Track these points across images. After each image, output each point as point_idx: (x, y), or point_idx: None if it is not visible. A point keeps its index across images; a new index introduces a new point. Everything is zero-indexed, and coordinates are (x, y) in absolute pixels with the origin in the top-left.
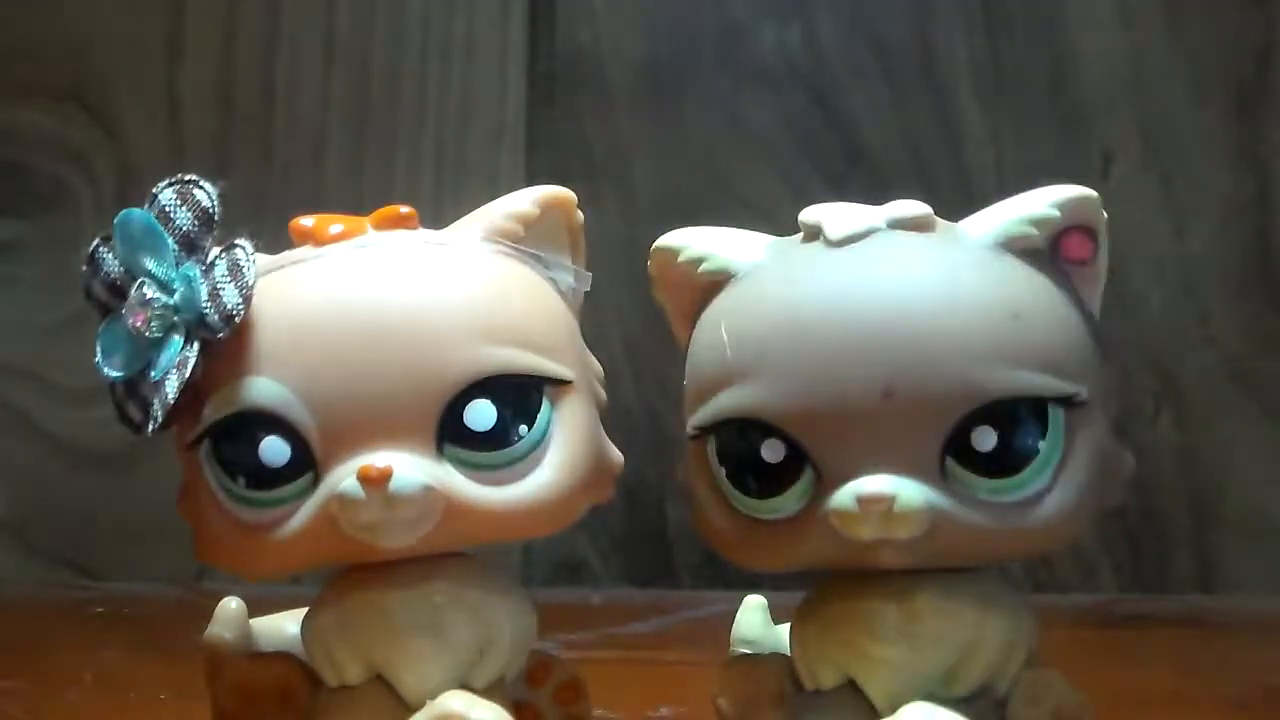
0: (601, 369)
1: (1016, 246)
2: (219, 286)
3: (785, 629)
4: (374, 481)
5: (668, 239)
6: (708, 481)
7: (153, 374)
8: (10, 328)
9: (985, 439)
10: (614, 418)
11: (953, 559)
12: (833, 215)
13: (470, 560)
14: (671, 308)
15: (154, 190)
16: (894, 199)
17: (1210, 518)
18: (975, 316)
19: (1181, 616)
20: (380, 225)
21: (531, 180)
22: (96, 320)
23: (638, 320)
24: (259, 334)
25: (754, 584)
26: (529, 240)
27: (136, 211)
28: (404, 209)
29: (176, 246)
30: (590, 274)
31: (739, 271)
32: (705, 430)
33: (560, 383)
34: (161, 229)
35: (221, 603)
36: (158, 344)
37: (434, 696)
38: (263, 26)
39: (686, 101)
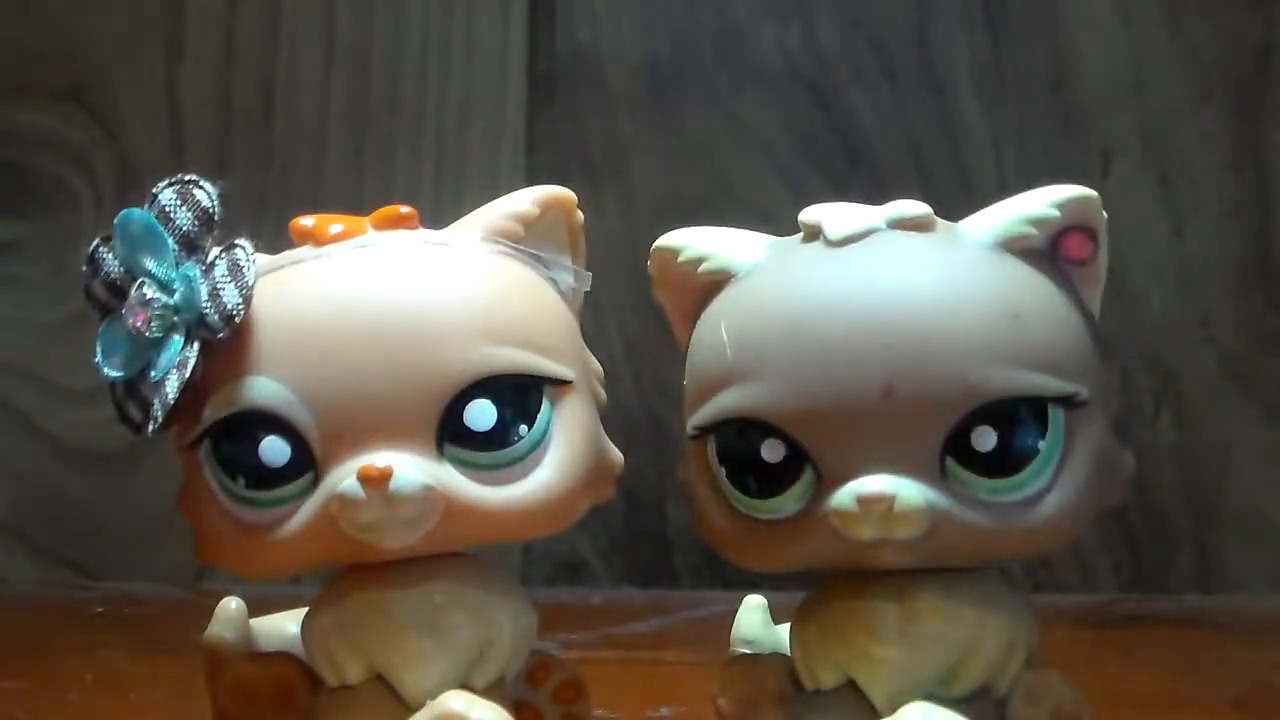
0: (601, 369)
1: (1016, 246)
2: (219, 286)
3: (785, 629)
4: (374, 481)
5: (668, 239)
6: (708, 481)
7: (153, 374)
8: (10, 328)
9: (985, 439)
10: (614, 418)
11: (953, 559)
12: (833, 215)
13: (470, 560)
14: (671, 308)
15: (154, 190)
16: (894, 199)
17: (1210, 518)
18: (975, 316)
19: (1181, 616)
20: (380, 225)
21: (531, 180)
22: (96, 320)
23: (638, 320)
24: (259, 334)
25: (754, 584)
26: (529, 240)
27: (136, 211)
28: (404, 209)
29: (176, 246)
30: (590, 274)
31: (739, 271)
32: (705, 430)
33: (560, 383)
34: (161, 229)
35: (221, 603)
36: (158, 344)
37: (434, 696)
38: (263, 26)
39: (686, 101)
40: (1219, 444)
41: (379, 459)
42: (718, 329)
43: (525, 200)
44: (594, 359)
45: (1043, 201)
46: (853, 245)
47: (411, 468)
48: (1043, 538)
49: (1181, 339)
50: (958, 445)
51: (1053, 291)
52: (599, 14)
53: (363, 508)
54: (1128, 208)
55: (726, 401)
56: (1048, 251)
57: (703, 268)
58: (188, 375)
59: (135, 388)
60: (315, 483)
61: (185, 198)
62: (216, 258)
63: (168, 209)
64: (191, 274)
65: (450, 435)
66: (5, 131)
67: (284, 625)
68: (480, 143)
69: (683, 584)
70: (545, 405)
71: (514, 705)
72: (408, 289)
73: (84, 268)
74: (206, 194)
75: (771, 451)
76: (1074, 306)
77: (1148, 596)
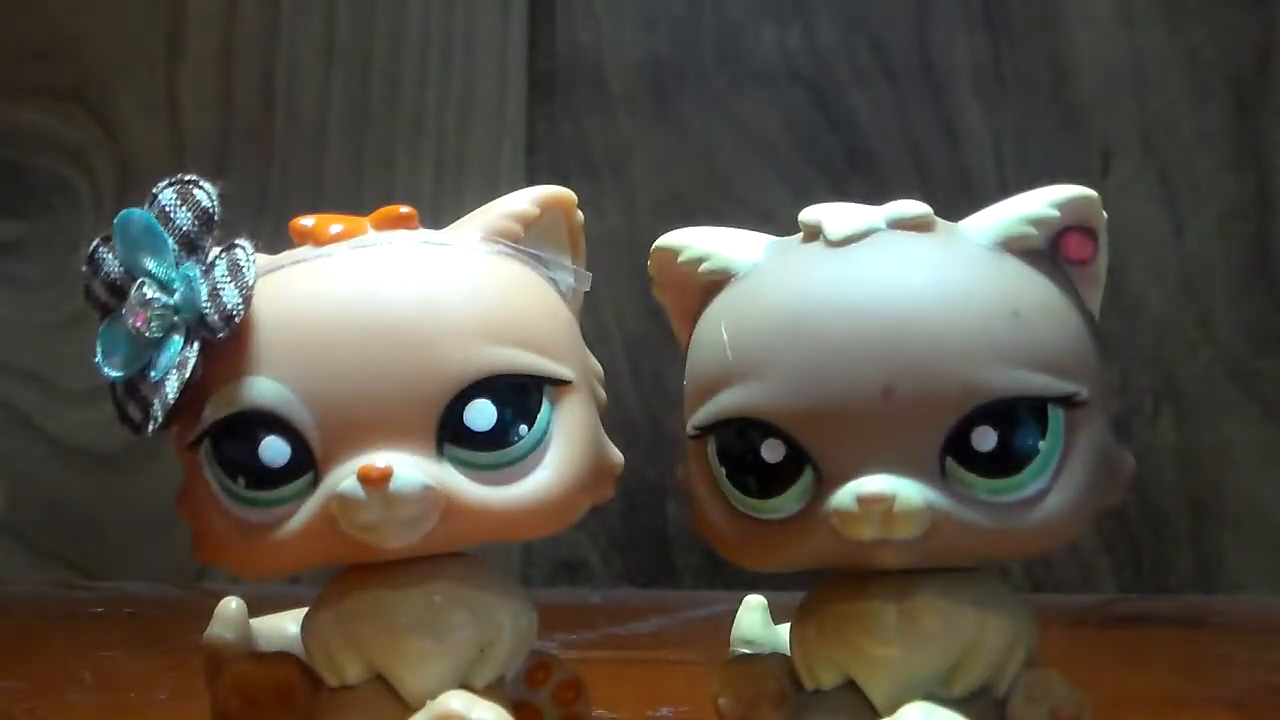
0: (601, 369)
1: (1016, 246)
2: (219, 286)
3: (785, 629)
4: (374, 481)
5: (668, 239)
6: (708, 481)
7: (153, 374)
8: (10, 328)
9: (985, 439)
10: (614, 418)
11: (952, 559)
12: (833, 215)
13: (470, 560)
14: (671, 308)
15: (154, 190)
16: (894, 199)
17: (1210, 518)
18: (975, 316)
19: (1181, 616)
20: (380, 225)
21: (531, 180)
22: (96, 320)
23: (638, 320)
24: (259, 334)
25: (754, 584)
26: (529, 240)
27: (136, 211)
28: (404, 209)
29: (176, 246)
30: (590, 274)
31: (739, 271)
32: (705, 430)
33: (560, 383)
34: (161, 229)
35: (221, 603)
36: (158, 344)
37: (434, 696)
38: (263, 26)
39: (686, 101)
40: (1219, 444)
41: (379, 459)
42: (718, 329)
43: (525, 200)
44: (594, 359)
45: (1043, 201)
46: (853, 245)
47: (411, 468)
48: (1043, 538)
49: (1181, 339)
50: (958, 445)
51: (1053, 291)
52: (599, 14)
53: (363, 508)
54: (1128, 208)
55: (726, 401)
56: (1048, 251)
57: (703, 268)
58: (188, 375)
59: (135, 388)
60: (315, 483)
61: (185, 198)
62: (216, 258)
63: (168, 209)
64: (191, 274)
65: (450, 435)
66: (5, 131)
67: (284, 625)
68: (480, 143)
69: (683, 584)
70: (545, 405)
71: (514, 705)
72: (408, 289)
73: (84, 268)
74: (206, 194)
75: (771, 451)
76: (1074, 306)
77: (1148, 596)
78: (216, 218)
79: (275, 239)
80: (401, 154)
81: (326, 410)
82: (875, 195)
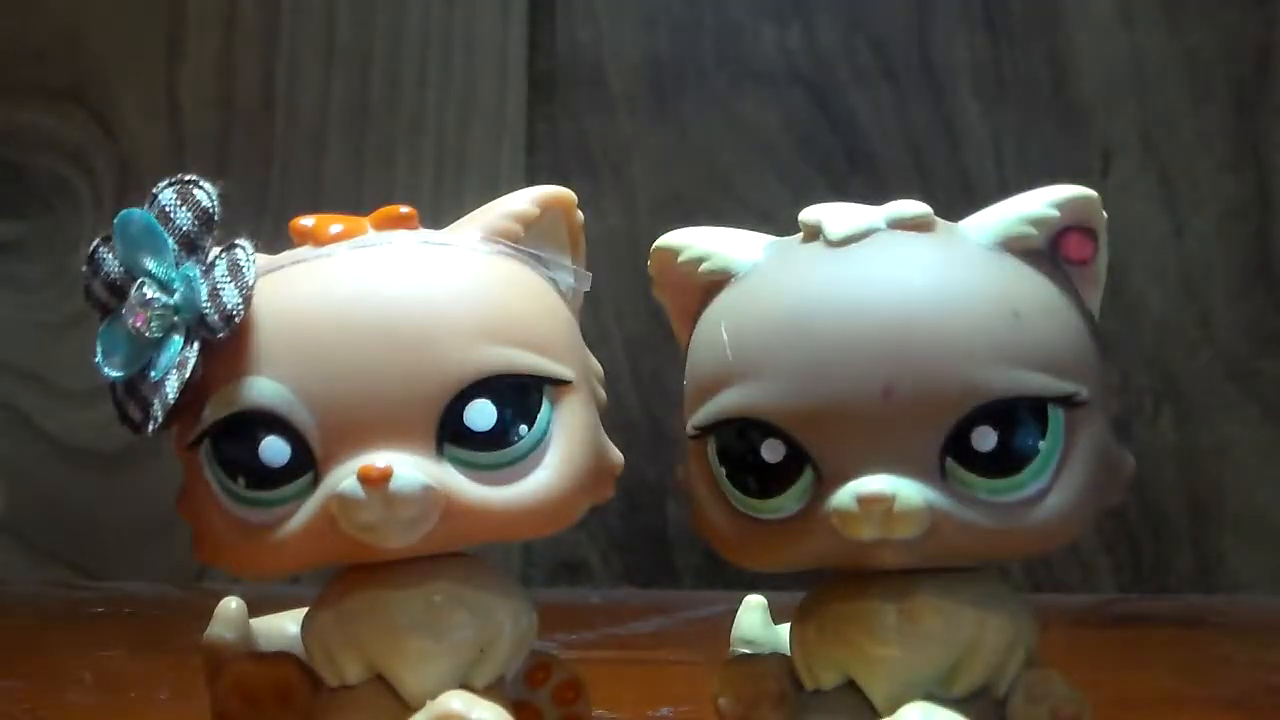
0: (601, 369)
1: (1016, 246)
2: (219, 286)
3: (785, 629)
4: (374, 481)
5: (668, 239)
6: (708, 481)
7: (153, 374)
8: (10, 328)
9: (985, 439)
10: (614, 418)
11: (952, 559)
12: (833, 215)
13: (470, 560)
14: (672, 308)
15: (154, 190)
16: (894, 199)
17: (1210, 518)
18: (975, 316)
19: (1181, 616)
20: (380, 225)
21: (531, 180)
22: (96, 320)
23: (638, 320)
24: (259, 334)
25: (754, 584)
26: (529, 240)
27: (136, 211)
28: (404, 209)
29: (176, 246)
30: (590, 274)
31: (739, 271)
32: (705, 430)
33: (560, 383)
34: (161, 229)
35: (221, 603)
36: (158, 344)
37: (434, 696)
38: (263, 26)
39: (686, 101)
40: (1219, 444)
41: (379, 459)
42: (718, 329)
43: (525, 200)
44: (594, 359)
45: (1043, 201)
46: (853, 245)
47: (411, 468)
48: (1043, 538)
49: (1181, 339)
50: (958, 445)
51: (1053, 291)
52: (599, 14)
53: (363, 508)
54: (1128, 208)
55: (726, 401)
56: (1048, 251)
57: (703, 268)
58: (188, 375)
59: (135, 388)
60: (315, 483)
61: (185, 198)
62: (216, 258)
63: (168, 209)
64: (191, 274)
65: (450, 435)
66: (5, 131)
67: (284, 625)
68: (480, 143)
69: (683, 584)
70: (545, 405)
71: (514, 705)
72: (408, 289)
73: (84, 268)
74: (206, 194)
75: (771, 451)
76: (1074, 306)
77: (1148, 596)
78: (216, 218)
79: (275, 239)
80: (401, 154)
81: (326, 410)
82: (875, 195)
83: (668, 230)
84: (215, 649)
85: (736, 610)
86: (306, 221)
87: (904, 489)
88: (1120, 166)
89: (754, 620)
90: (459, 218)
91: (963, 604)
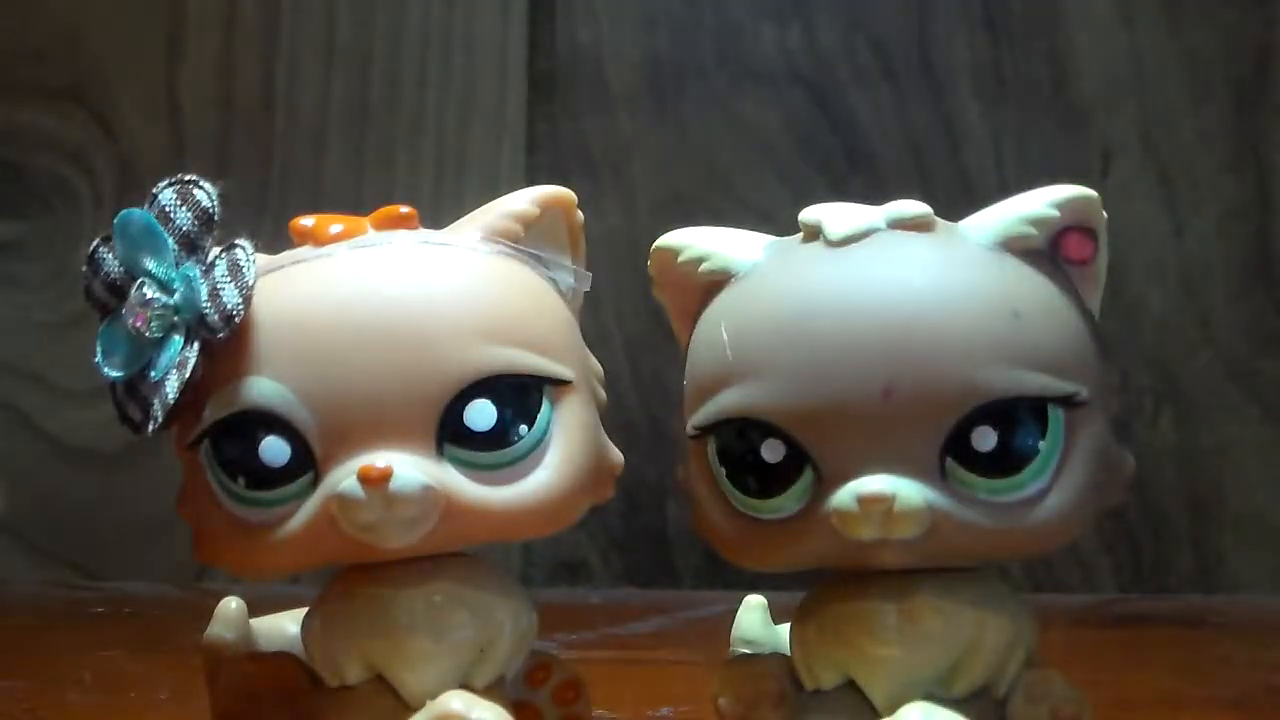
0: (601, 369)
1: (1016, 246)
2: (219, 286)
3: (785, 629)
4: (374, 481)
5: (668, 239)
6: (708, 481)
7: (153, 374)
8: (10, 328)
9: (985, 439)
10: (614, 418)
11: (952, 559)
12: (833, 215)
13: (470, 560)
14: (672, 308)
15: (154, 190)
16: (894, 199)
17: (1210, 518)
18: (975, 316)
19: (1181, 616)
20: (380, 225)
21: (531, 180)
22: (96, 320)
23: (638, 320)
24: (259, 334)
25: (754, 584)
26: (529, 240)
27: (136, 211)
28: (404, 209)
29: (176, 246)
30: (590, 274)
31: (739, 271)
32: (705, 430)
33: (560, 383)
34: (161, 229)
35: (221, 603)
36: (158, 344)
37: (434, 696)
38: (263, 26)
39: (686, 101)
40: (1219, 444)
41: (379, 459)
42: (718, 329)
43: (525, 200)
44: (594, 359)
45: (1043, 201)
46: (853, 245)
47: (411, 468)
48: (1043, 538)
49: (1181, 339)
50: (958, 445)
51: (1053, 291)
52: (599, 14)
53: (363, 508)
54: (1128, 208)
55: (726, 401)
56: (1048, 251)
57: (703, 268)
58: (188, 375)
59: (135, 388)
60: (315, 483)
61: (185, 198)
62: (216, 258)
63: (168, 209)
64: (191, 274)
65: (450, 435)
66: (5, 131)
67: (284, 625)
68: (480, 143)
69: (683, 584)
70: (545, 405)
71: (514, 705)
72: (408, 289)
73: (84, 268)
74: (206, 194)
75: (771, 451)
76: (1074, 306)
77: (1148, 596)
78: (216, 218)
79: (275, 239)
80: (401, 154)
81: (326, 410)
82: (875, 195)
83: (668, 230)
84: (215, 649)
85: (736, 610)
86: (306, 221)
87: (904, 489)
88: (1120, 166)
89: (754, 620)
90: (459, 218)
91: (963, 604)
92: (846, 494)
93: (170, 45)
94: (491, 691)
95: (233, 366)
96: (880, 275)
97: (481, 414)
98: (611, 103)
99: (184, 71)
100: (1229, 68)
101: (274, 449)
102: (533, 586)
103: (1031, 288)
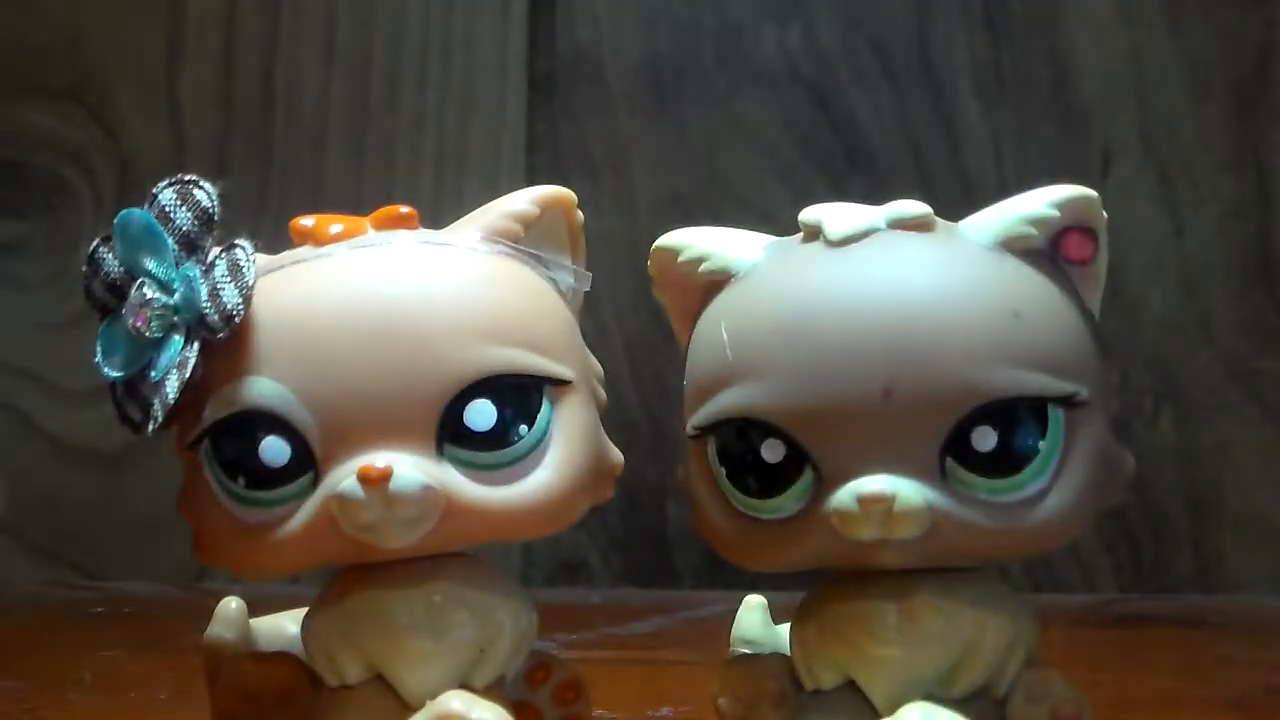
0: (601, 369)
1: (1016, 246)
2: (219, 286)
3: (785, 629)
4: (374, 481)
5: (668, 239)
6: (708, 481)
7: (153, 374)
8: (10, 328)
9: (985, 439)
10: (614, 418)
11: (952, 559)
12: (833, 215)
13: (470, 560)
14: (672, 308)
15: (154, 190)
16: (894, 199)
17: (1210, 518)
18: (975, 316)
19: (1181, 616)
20: (380, 225)
21: (531, 180)
22: (96, 320)
23: (638, 320)
24: (259, 334)
25: (754, 584)
26: (529, 240)
27: (136, 211)
28: (404, 209)
29: (176, 246)
30: (590, 274)
31: (739, 271)
32: (705, 430)
33: (560, 383)
34: (161, 229)
35: (221, 603)
36: (158, 344)
37: (434, 696)
38: (263, 26)
39: (686, 101)
40: (1219, 444)
41: (379, 459)
42: (718, 329)
43: (525, 200)
44: (594, 359)
45: (1043, 201)
46: (853, 245)
47: (411, 468)
48: (1043, 538)
49: (1181, 339)
50: (958, 445)
51: (1053, 291)
52: (599, 14)
53: (363, 508)
54: (1128, 208)
55: (726, 401)
56: (1048, 251)
57: (703, 268)
58: (188, 375)
59: (135, 388)
60: (315, 483)
61: (185, 198)
62: (216, 258)
63: (168, 209)
64: (191, 274)
65: (450, 435)
66: (5, 131)
67: (284, 625)
68: (480, 143)
69: (683, 584)
70: (545, 405)
71: (514, 705)
72: (408, 289)
73: (84, 268)
74: (206, 194)
75: (771, 451)
76: (1074, 306)
77: (1148, 596)
78: (216, 218)
79: (275, 239)
80: (401, 154)
81: (326, 410)
82: (875, 195)
83: (668, 230)
84: (215, 649)
85: (736, 610)
86: (306, 221)
87: (904, 489)
88: (1120, 166)
89: (754, 620)
90: (459, 218)
91: (963, 604)
92: (846, 494)
93: (170, 45)
94: (491, 691)
95: (233, 366)
96: (880, 275)
97: (481, 414)
98: (611, 103)
99: (184, 71)
100: (1229, 68)
101: (274, 449)
102: (533, 586)
103: (1031, 288)
